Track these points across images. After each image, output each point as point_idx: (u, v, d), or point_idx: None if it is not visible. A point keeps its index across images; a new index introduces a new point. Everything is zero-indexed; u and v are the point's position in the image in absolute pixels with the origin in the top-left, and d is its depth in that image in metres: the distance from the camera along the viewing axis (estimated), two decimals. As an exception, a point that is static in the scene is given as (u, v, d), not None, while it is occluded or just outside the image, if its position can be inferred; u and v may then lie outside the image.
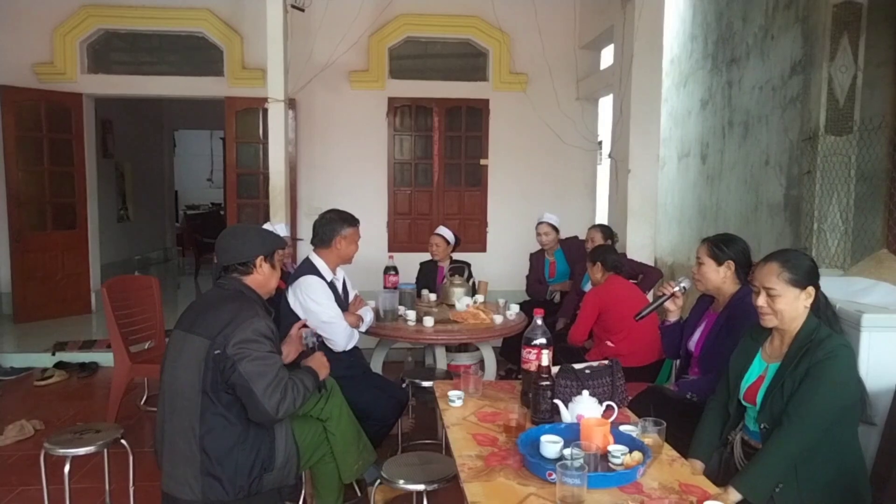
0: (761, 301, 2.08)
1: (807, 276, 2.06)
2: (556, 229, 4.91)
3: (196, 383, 2.16)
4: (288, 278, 3.31)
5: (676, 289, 2.70)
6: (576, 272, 4.82)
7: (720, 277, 2.61)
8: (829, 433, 1.99)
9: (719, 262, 2.60)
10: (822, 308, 2.11)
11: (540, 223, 4.93)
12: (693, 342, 2.73)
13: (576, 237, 5.04)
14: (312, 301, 3.08)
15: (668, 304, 2.74)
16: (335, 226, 3.20)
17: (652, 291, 4.49)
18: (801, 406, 1.95)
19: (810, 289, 2.06)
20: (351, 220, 3.26)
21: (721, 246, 2.62)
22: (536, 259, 5.12)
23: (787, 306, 2.05)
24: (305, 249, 3.26)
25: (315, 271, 3.15)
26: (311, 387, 2.33)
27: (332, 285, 3.21)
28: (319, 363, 2.48)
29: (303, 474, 2.67)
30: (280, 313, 3.16)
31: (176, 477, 2.20)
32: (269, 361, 2.18)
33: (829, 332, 2.05)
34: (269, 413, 2.16)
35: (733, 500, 1.93)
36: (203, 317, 2.24)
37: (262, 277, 2.39)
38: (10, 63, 6.56)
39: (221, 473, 2.16)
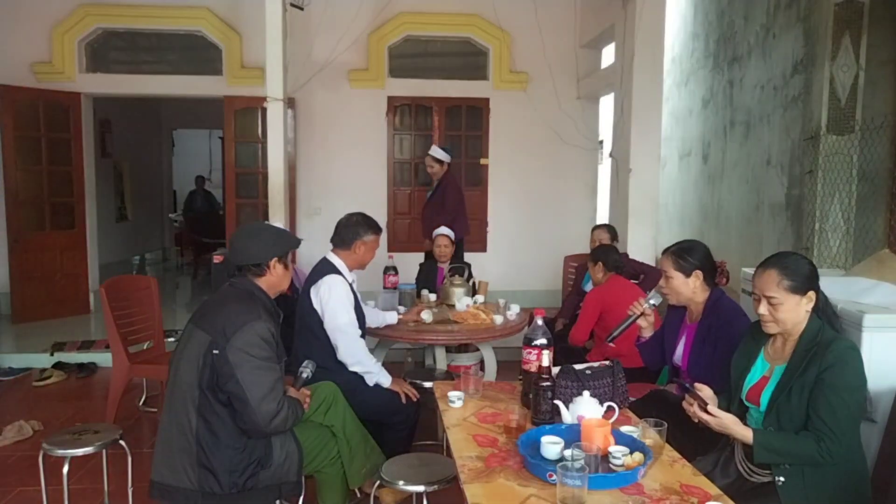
0: (763, 309, 2.05)
1: (807, 280, 2.02)
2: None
3: (194, 378, 2.17)
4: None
5: (646, 306, 2.68)
6: None
7: (690, 289, 2.55)
8: None
9: (687, 274, 2.53)
10: (822, 307, 2.08)
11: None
12: (678, 357, 2.68)
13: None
14: (336, 300, 3.03)
15: (640, 322, 2.71)
16: (359, 229, 3.17)
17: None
18: (830, 420, 1.91)
19: (811, 293, 2.03)
20: (375, 228, 3.24)
21: (685, 256, 2.54)
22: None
23: (789, 313, 2.02)
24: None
25: (337, 271, 3.11)
26: (300, 415, 2.34)
27: (351, 287, 3.18)
28: (302, 397, 2.47)
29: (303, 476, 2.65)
30: (295, 314, 3.14)
31: (173, 466, 2.21)
32: (266, 369, 2.19)
33: (834, 333, 2.02)
34: (259, 424, 2.16)
35: (747, 436, 1.97)
36: (211, 312, 2.27)
37: (275, 278, 2.41)
38: (9, 62, 6.54)
39: (215, 467, 2.18)
